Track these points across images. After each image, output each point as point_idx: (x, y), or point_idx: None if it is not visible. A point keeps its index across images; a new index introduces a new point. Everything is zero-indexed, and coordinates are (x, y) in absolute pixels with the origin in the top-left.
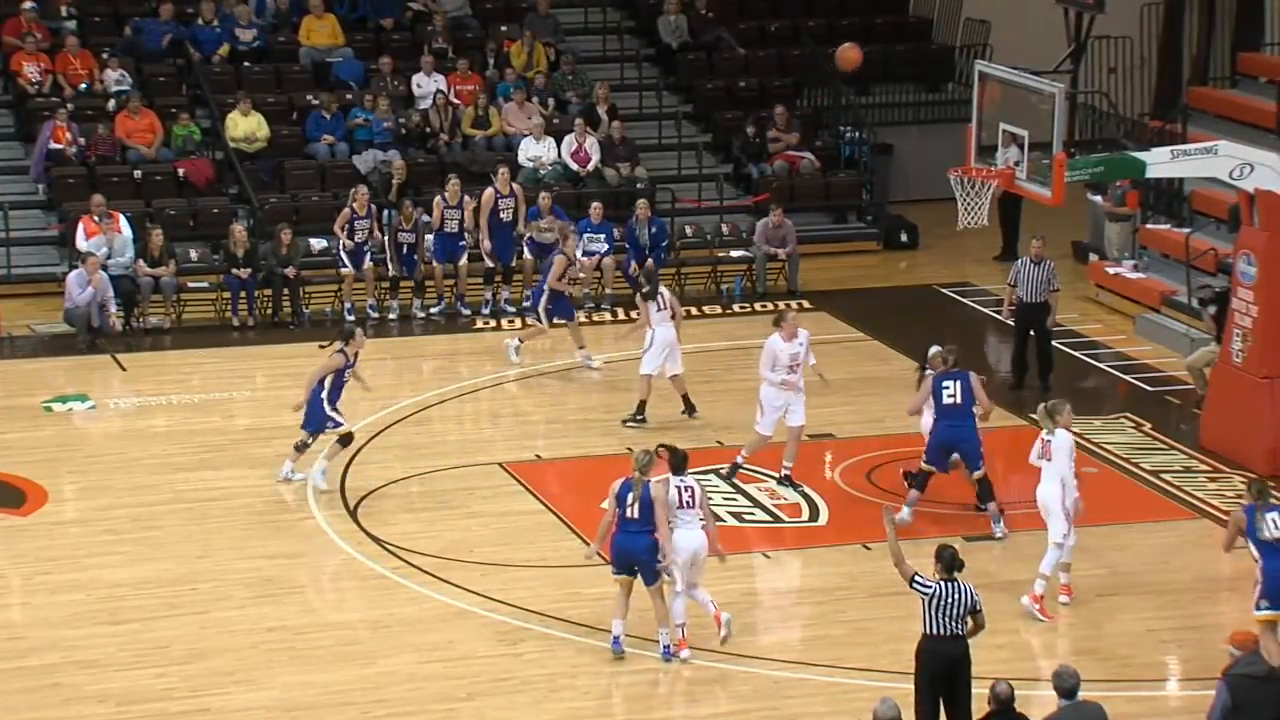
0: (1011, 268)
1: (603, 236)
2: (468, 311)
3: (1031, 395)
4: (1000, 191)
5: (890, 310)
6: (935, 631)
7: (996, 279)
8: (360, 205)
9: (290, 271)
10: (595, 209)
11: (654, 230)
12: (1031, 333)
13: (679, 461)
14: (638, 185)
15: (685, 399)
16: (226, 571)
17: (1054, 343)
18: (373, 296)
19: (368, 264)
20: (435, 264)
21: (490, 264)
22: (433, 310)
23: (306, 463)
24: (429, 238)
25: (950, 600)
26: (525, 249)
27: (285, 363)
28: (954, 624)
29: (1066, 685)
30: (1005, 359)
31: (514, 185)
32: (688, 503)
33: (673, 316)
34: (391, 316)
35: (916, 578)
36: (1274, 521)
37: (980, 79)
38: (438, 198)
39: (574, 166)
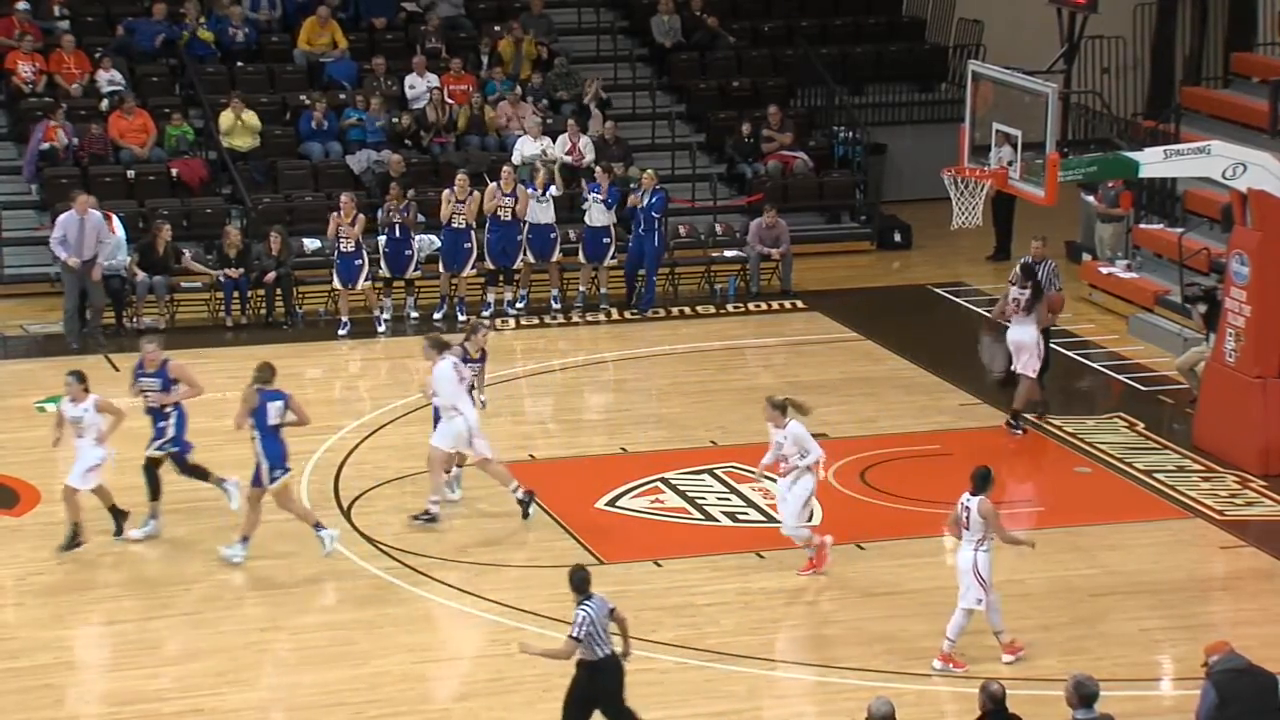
0: (1014, 268)
1: (607, 199)
2: (464, 317)
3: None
4: (994, 191)
5: (884, 310)
6: (599, 655)
7: (990, 279)
8: (347, 213)
9: (270, 276)
10: (600, 173)
11: (653, 200)
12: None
13: (980, 481)
14: (631, 185)
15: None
16: (219, 572)
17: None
18: (375, 308)
19: (364, 283)
20: (444, 270)
21: (491, 265)
22: (435, 317)
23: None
24: (431, 237)
25: (598, 621)
26: (527, 251)
27: (278, 363)
28: (608, 642)
29: (1088, 692)
30: (999, 358)
31: (519, 186)
32: (962, 522)
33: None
34: (385, 317)
35: (573, 634)
36: (276, 409)
37: (973, 79)
38: (446, 191)
39: (567, 159)
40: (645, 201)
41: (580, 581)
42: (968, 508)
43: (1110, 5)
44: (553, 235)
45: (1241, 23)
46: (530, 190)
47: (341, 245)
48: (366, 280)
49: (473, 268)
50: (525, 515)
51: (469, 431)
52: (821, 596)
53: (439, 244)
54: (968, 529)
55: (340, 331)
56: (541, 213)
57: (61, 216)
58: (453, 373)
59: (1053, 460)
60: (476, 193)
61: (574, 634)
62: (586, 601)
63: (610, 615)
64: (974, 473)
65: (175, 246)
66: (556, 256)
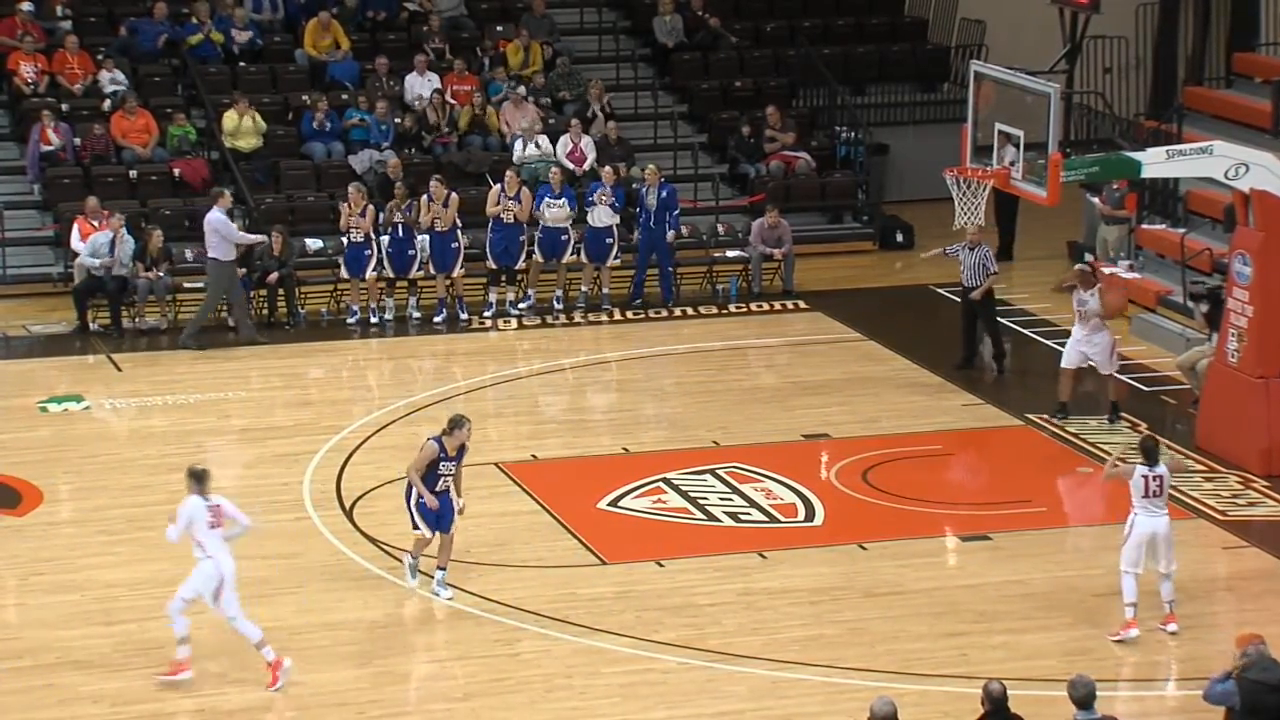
0: (957, 248)
1: (614, 199)
2: (465, 316)
3: (985, 376)
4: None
5: (886, 310)
6: None
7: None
8: (355, 203)
9: (272, 276)
10: (607, 172)
11: (664, 195)
12: (978, 317)
13: (1152, 450)
14: (633, 185)
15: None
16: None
17: (1002, 322)
18: (375, 301)
19: (370, 273)
20: (435, 272)
21: (493, 265)
22: (436, 319)
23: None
24: (424, 238)
25: None
26: (536, 250)
27: (280, 363)
28: None
29: (1080, 694)
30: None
31: (524, 190)
32: (1155, 491)
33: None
34: (387, 316)
35: None
36: None
37: (976, 79)
38: (424, 197)
39: (569, 166)
40: (658, 198)
41: None
42: (1159, 476)
43: (1112, 5)
44: (564, 237)
45: (1244, 23)
46: (543, 192)
47: (351, 235)
48: (374, 271)
49: (461, 269)
50: None
51: None
52: (823, 597)
53: None
54: (1159, 495)
55: (350, 320)
56: (555, 214)
57: (212, 217)
58: None
59: (1054, 460)
60: (455, 196)
61: None
62: None
63: None
64: (1144, 446)
65: (168, 248)
66: (568, 258)
